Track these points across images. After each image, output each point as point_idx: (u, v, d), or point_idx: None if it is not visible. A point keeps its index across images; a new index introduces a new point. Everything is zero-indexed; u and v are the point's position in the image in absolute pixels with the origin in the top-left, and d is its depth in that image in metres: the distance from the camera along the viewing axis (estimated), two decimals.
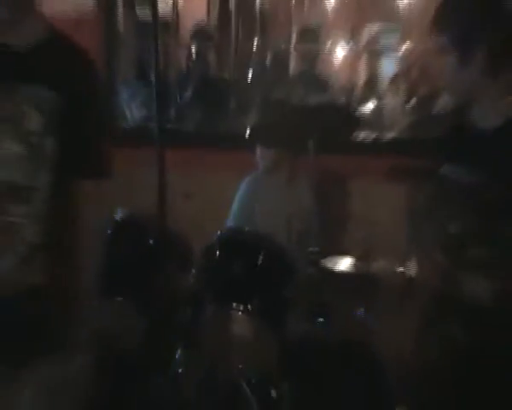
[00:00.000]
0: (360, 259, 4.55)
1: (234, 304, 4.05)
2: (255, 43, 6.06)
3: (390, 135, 5.93)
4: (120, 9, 5.87)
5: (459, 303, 3.15)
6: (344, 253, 4.72)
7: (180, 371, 3.95)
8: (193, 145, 5.29)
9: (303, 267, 4.53)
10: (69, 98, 2.88)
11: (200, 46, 6.28)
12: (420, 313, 3.42)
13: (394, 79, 5.97)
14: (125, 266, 4.32)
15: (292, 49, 5.95)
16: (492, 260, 3.00)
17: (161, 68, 3.50)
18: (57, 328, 2.96)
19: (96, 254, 3.25)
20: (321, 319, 4.51)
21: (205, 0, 6.43)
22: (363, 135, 5.81)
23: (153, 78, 3.47)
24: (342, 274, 4.62)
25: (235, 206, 5.05)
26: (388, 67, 6.07)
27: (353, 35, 6.02)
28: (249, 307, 4.04)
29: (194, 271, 4.25)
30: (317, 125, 4.91)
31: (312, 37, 6.02)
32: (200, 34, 6.33)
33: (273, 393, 3.97)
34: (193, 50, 6.26)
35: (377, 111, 6.01)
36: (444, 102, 4.80)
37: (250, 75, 6.11)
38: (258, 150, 5.02)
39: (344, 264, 4.63)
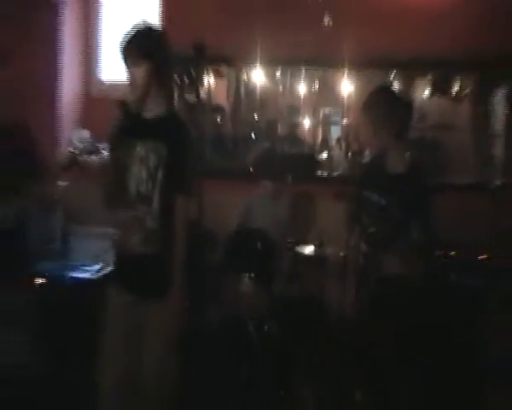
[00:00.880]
0: (318, 247, 4.65)
1: (243, 273, 4.15)
2: (256, 115, 6.11)
3: (336, 173, 5.89)
4: (176, 95, 5.90)
5: (374, 273, 3.28)
6: (308, 243, 4.84)
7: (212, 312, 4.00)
8: (219, 177, 5.24)
9: (284, 251, 4.62)
10: (171, 149, 3.00)
11: (222, 116, 6.23)
12: (352, 279, 3.48)
13: (338, 140, 5.99)
14: None
15: (278, 120, 6.01)
16: (391, 247, 3.11)
17: (201, 129, 3.56)
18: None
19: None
20: (294, 283, 4.59)
21: (225, 88, 6.44)
22: (320, 172, 5.80)
23: (195, 133, 3.49)
24: (307, 256, 4.72)
25: (242, 214, 4.98)
26: (335, 132, 6.09)
27: (314, 113, 6.06)
28: (252, 275, 4.12)
29: (218, 252, 4.34)
30: (293, 165, 5.03)
31: (291, 113, 6.10)
32: (222, 109, 6.39)
33: (265, 327, 4.04)
34: (218, 119, 6.23)
35: (329, 158, 6.02)
36: (368, 155, 4.87)
37: (253, 135, 6.14)
38: (257, 181, 5.02)
39: (308, 250, 4.74)
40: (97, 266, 4.70)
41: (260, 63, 5.63)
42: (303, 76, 5.96)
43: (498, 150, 5.50)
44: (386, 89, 3.55)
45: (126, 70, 3.06)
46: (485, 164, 5.59)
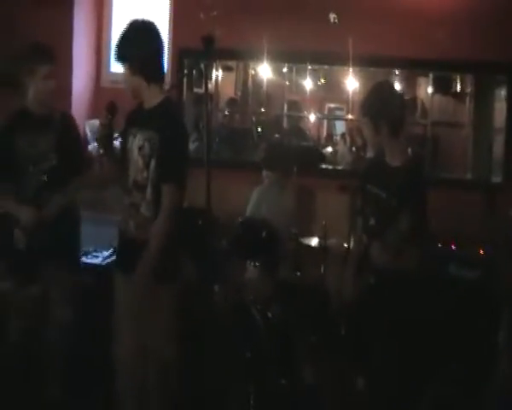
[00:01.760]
0: (321, 238, 4.70)
1: (248, 261, 4.20)
2: (263, 109, 6.15)
3: (340, 167, 5.96)
4: (184, 88, 5.93)
5: (372, 263, 3.34)
6: (312, 234, 4.88)
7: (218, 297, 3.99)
8: (226, 167, 5.26)
9: (288, 242, 4.66)
10: (162, 138, 3.09)
11: (230, 109, 6.29)
12: (353, 269, 3.50)
13: (342, 135, 6.04)
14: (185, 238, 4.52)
15: (284, 114, 6.06)
16: (389, 238, 3.15)
17: (208, 121, 3.58)
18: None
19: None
20: (298, 273, 4.65)
21: (233, 82, 6.48)
22: (325, 166, 5.90)
23: (204, 127, 3.55)
24: (311, 247, 4.74)
25: (250, 204, 5.00)
26: (339, 128, 6.13)
27: (319, 109, 6.10)
28: (257, 263, 4.17)
29: (225, 240, 4.36)
30: (299, 159, 5.08)
31: (296, 108, 6.16)
32: (230, 102, 6.36)
33: (269, 314, 4.06)
34: (226, 112, 6.29)
35: (333, 153, 6.07)
36: (370, 150, 4.87)
37: (260, 128, 6.19)
38: (264, 172, 5.03)
39: (312, 241, 4.76)
40: (107, 252, 4.82)
41: (267, 58, 5.67)
42: (309, 72, 6.03)
43: (498, 147, 5.56)
44: (380, 86, 3.58)
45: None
46: (485, 161, 5.65)
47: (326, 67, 5.99)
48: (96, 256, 4.84)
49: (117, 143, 3.38)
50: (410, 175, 3.24)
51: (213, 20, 5.27)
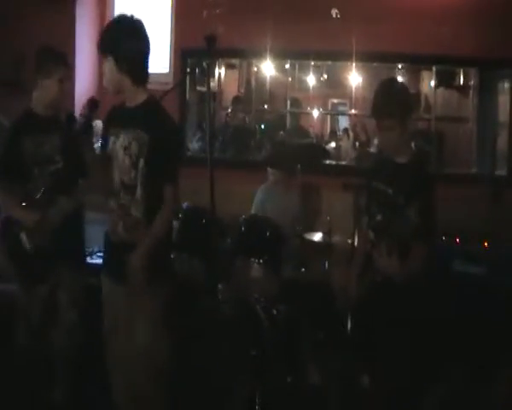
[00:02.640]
0: (326, 234, 4.67)
1: (252, 258, 4.16)
2: (266, 107, 6.15)
3: (344, 163, 5.97)
4: (187, 86, 5.91)
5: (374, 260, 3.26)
6: (317, 230, 4.79)
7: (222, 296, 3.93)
8: (230, 166, 5.28)
9: (292, 239, 4.63)
10: (151, 137, 2.96)
11: (233, 108, 6.29)
12: (359, 265, 3.44)
13: (346, 131, 6.04)
14: (189, 237, 4.37)
15: (287, 111, 6.04)
16: (395, 233, 3.14)
17: (211, 120, 3.55)
18: None
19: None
20: (302, 269, 4.60)
21: (236, 81, 6.48)
22: (328, 162, 5.86)
23: (207, 126, 3.48)
24: (316, 243, 4.67)
25: (254, 202, 5.01)
26: (342, 124, 6.13)
27: (323, 105, 6.09)
28: (261, 260, 4.13)
29: (229, 239, 4.34)
30: (303, 156, 5.07)
31: (299, 105, 6.11)
32: (233, 101, 6.36)
33: (274, 311, 4.02)
34: (229, 110, 6.29)
35: (337, 149, 6.08)
36: (374, 146, 4.88)
37: (263, 126, 6.18)
38: (269, 171, 4.99)
39: (317, 237, 4.69)
40: None
41: (270, 56, 5.67)
42: (311, 68, 6.03)
43: (503, 141, 5.54)
44: (390, 83, 3.53)
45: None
46: (489, 155, 5.63)
47: (329, 63, 5.99)
48: (101, 257, 4.80)
49: (97, 145, 3.29)
50: (416, 171, 3.22)
51: (216, 19, 5.27)
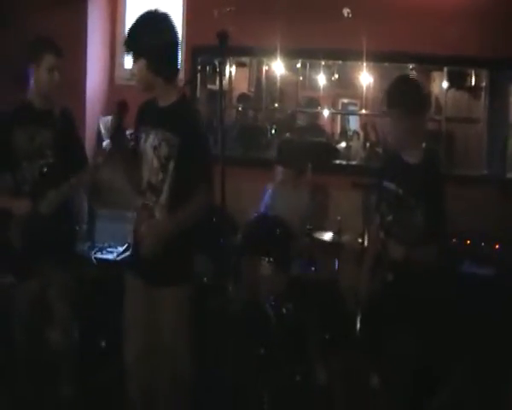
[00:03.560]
0: (336, 233, 4.67)
1: (262, 257, 4.15)
2: (276, 106, 6.14)
3: (354, 162, 5.92)
4: (198, 85, 5.92)
5: (389, 260, 3.28)
6: (327, 229, 4.84)
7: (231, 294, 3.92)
8: (240, 164, 5.17)
9: (303, 238, 4.62)
10: (183, 139, 2.93)
11: (243, 106, 6.30)
12: (369, 265, 3.46)
13: (356, 131, 6.04)
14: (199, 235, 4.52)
15: (298, 110, 6.02)
16: (405, 235, 3.13)
17: (222, 118, 3.53)
18: None
19: None
20: (312, 268, 4.61)
21: (247, 79, 6.47)
22: (339, 162, 5.86)
23: (218, 124, 3.46)
24: (326, 242, 4.72)
25: (264, 201, 4.94)
26: (353, 123, 6.12)
27: (333, 104, 6.08)
28: (271, 259, 4.13)
29: (239, 237, 4.33)
30: (313, 155, 5.04)
31: (310, 104, 6.10)
32: (243, 99, 6.36)
33: (283, 310, 4.06)
34: (239, 108, 6.28)
35: (347, 148, 6.06)
36: (385, 145, 4.86)
37: (274, 124, 6.17)
38: (278, 169, 4.94)
39: (327, 236, 4.74)
40: (122, 248, 4.82)
41: (281, 55, 5.65)
42: (322, 67, 6.01)
43: None
44: (406, 80, 3.53)
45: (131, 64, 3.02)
46: (500, 156, 5.61)
47: (340, 62, 5.97)
48: (111, 252, 4.85)
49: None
50: (427, 172, 3.21)
51: (227, 17, 5.26)
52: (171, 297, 3.05)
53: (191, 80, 5.75)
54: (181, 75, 5.68)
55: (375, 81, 5.65)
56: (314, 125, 6.10)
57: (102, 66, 6.02)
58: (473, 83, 5.86)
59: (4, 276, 3.71)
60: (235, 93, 6.19)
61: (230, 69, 6.05)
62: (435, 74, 5.88)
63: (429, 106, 3.21)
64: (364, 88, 5.67)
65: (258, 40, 5.50)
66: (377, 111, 5.63)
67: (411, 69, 5.69)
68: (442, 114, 5.70)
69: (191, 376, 3.17)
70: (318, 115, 6.08)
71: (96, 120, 5.67)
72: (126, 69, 6.05)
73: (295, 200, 4.86)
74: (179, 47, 3.06)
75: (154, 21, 3.00)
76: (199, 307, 3.80)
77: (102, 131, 5.63)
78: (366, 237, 3.62)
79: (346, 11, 5.38)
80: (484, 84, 5.73)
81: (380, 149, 5.54)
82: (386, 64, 5.66)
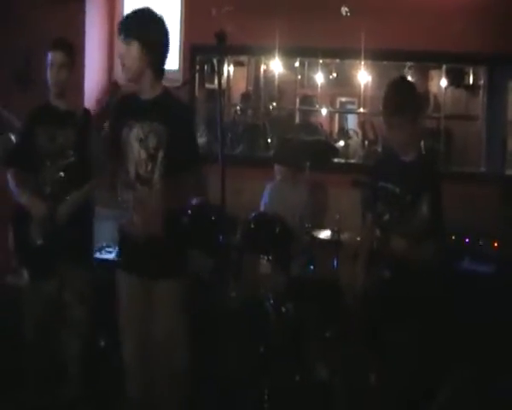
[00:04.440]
0: (335, 232, 4.66)
1: (261, 255, 4.15)
2: (275, 104, 6.14)
3: (353, 161, 5.95)
4: (197, 84, 5.92)
5: (385, 256, 3.25)
6: (325, 228, 4.81)
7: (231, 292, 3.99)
8: (239, 163, 5.23)
9: (301, 236, 4.60)
10: (172, 129, 2.94)
11: (242, 105, 6.32)
12: (366, 263, 3.44)
13: (355, 129, 6.05)
14: (198, 233, 4.38)
15: (297, 109, 6.03)
16: (402, 232, 3.13)
17: (221, 117, 3.51)
18: None
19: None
20: (311, 266, 4.58)
21: (245, 78, 6.47)
22: (337, 160, 5.80)
23: (217, 123, 3.43)
24: (324, 240, 4.68)
25: (263, 199, 5.01)
26: (351, 122, 6.13)
27: (331, 103, 6.08)
28: (270, 257, 4.12)
29: (238, 235, 4.31)
30: (311, 153, 5.04)
31: (308, 102, 6.11)
32: (242, 98, 6.39)
33: (282, 308, 4.04)
34: (238, 107, 6.30)
35: (345, 147, 6.07)
36: (381, 144, 4.86)
37: (272, 123, 6.17)
38: (277, 168, 5.01)
39: (325, 234, 4.70)
40: None
41: (279, 53, 5.65)
42: (320, 66, 6.01)
43: (511, 140, 5.52)
44: (400, 81, 3.53)
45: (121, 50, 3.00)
46: (498, 153, 5.62)
47: (338, 61, 5.98)
48: (110, 252, 4.84)
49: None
50: (424, 170, 3.21)
51: (225, 16, 5.26)
52: (167, 289, 3.05)
53: (190, 80, 5.76)
54: (179, 76, 5.76)
55: (373, 79, 5.66)
56: (312, 124, 6.11)
57: (100, 66, 6.00)
58: (471, 80, 5.87)
59: (20, 275, 3.71)
60: (234, 92, 6.18)
61: (229, 68, 6.05)
62: (433, 72, 5.90)
63: (426, 106, 3.19)
64: (362, 86, 5.68)
65: (256, 39, 5.50)
66: (375, 109, 5.62)
67: (409, 68, 5.69)
68: (441, 112, 5.70)
69: (189, 370, 3.17)
70: (316, 114, 6.09)
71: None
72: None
73: (294, 198, 4.87)
74: (168, 50, 3.06)
75: (152, 14, 3.03)
76: (198, 306, 3.85)
77: None
78: (361, 234, 3.61)
79: (344, 10, 5.38)
80: (482, 81, 5.73)
81: (378, 148, 5.53)
82: (385, 62, 5.66)
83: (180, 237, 3.13)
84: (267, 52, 5.72)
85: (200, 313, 3.87)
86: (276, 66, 5.84)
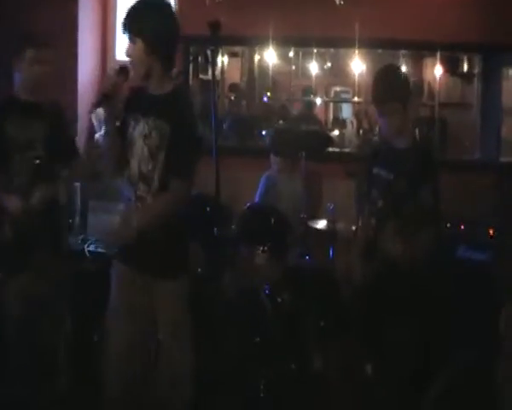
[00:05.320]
0: (330, 221, 4.67)
1: (256, 246, 4.11)
2: (269, 95, 6.13)
3: (347, 150, 5.97)
4: (190, 75, 5.89)
5: (381, 249, 3.26)
6: (320, 218, 4.79)
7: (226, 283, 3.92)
8: (233, 154, 5.21)
9: (297, 226, 4.57)
10: (174, 129, 2.84)
11: (235, 95, 6.29)
12: (362, 252, 3.44)
13: (349, 118, 6.05)
14: (193, 224, 4.52)
15: (291, 99, 6.02)
16: (397, 219, 3.13)
17: (215, 108, 3.48)
18: None
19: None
20: (307, 256, 4.59)
21: (239, 68, 6.46)
22: (332, 149, 5.74)
23: (212, 114, 3.42)
24: (320, 230, 4.66)
25: (258, 190, 5.01)
26: (346, 111, 6.13)
27: (326, 92, 6.08)
28: (265, 248, 4.09)
29: (233, 226, 4.29)
30: (307, 143, 5.03)
31: (303, 93, 6.09)
32: (235, 88, 6.36)
33: (279, 299, 4.04)
34: (232, 98, 6.28)
35: (340, 136, 6.07)
36: (376, 132, 4.86)
37: (266, 113, 6.17)
38: (272, 158, 5.01)
39: (321, 224, 4.68)
40: None
41: (273, 43, 5.63)
42: (315, 56, 6.00)
43: (507, 127, 5.52)
44: (389, 68, 3.54)
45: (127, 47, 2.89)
46: (493, 141, 5.61)
47: (332, 50, 5.96)
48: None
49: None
50: (417, 156, 3.20)
51: (218, 6, 5.24)
52: (168, 292, 2.98)
53: (184, 70, 5.72)
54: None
55: (367, 68, 5.64)
56: (307, 114, 6.11)
57: (94, 58, 5.97)
58: (465, 68, 5.85)
59: None
60: (227, 83, 6.18)
61: (223, 59, 6.02)
62: (428, 60, 5.88)
63: (416, 93, 3.19)
64: (357, 76, 5.66)
65: (250, 29, 5.49)
66: (370, 98, 5.59)
67: (403, 56, 5.68)
68: (435, 100, 5.69)
69: (193, 377, 3.08)
70: (311, 104, 6.08)
71: (88, 113, 5.62)
72: (118, 61, 6.02)
73: (289, 189, 4.89)
74: (178, 38, 2.94)
75: (155, 4, 2.90)
76: (193, 298, 3.84)
77: (95, 123, 5.59)
78: (357, 224, 3.60)
79: None
80: (477, 69, 5.72)
81: (373, 136, 5.53)
82: (379, 51, 5.64)
83: (179, 237, 3.04)
84: (261, 42, 5.69)
85: (195, 304, 3.92)
86: (270, 56, 5.82)
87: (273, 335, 3.89)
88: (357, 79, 5.68)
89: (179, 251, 3.04)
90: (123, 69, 2.92)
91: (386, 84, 3.26)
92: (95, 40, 5.97)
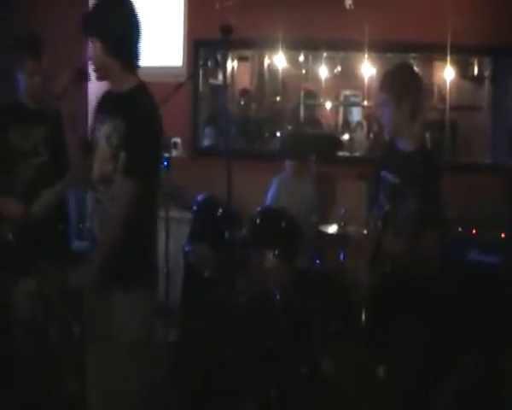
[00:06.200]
0: (341, 225, 4.66)
1: (267, 249, 4.12)
2: (278, 99, 6.13)
3: (357, 154, 5.95)
4: (200, 79, 5.91)
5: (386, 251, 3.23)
6: (331, 222, 4.80)
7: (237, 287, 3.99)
8: (244, 157, 5.21)
9: (307, 230, 4.58)
10: (129, 129, 2.68)
11: (246, 99, 6.27)
12: (369, 254, 3.38)
13: (359, 122, 6.04)
14: (204, 228, 4.51)
15: (301, 103, 6.02)
16: (402, 224, 3.13)
17: (226, 112, 3.47)
18: None
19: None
20: (318, 260, 4.58)
21: (249, 73, 6.46)
22: (342, 153, 5.83)
23: (222, 117, 3.40)
24: (331, 234, 4.67)
25: (269, 193, 5.01)
26: (355, 115, 6.12)
27: (335, 96, 6.07)
28: (276, 251, 4.10)
29: (244, 230, 4.32)
30: (317, 146, 5.03)
31: (312, 96, 6.10)
32: (245, 93, 6.34)
33: (289, 302, 4.00)
34: (242, 102, 6.25)
35: (350, 140, 6.06)
36: (385, 136, 4.82)
37: (277, 117, 6.17)
38: (283, 161, 5.01)
39: (332, 228, 4.69)
40: None
41: (283, 47, 5.63)
42: (324, 59, 6.00)
43: None
44: (402, 66, 3.54)
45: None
46: (504, 144, 5.59)
47: (342, 53, 5.96)
48: None
49: None
50: (422, 160, 3.19)
51: (228, 10, 5.25)
52: (121, 302, 2.75)
53: (194, 75, 5.73)
54: (183, 71, 5.75)
55: (377, 72, 5.62)
56: (317, 118, 6.10)
57: None
58: (476, 71, 5.83)
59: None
60: (237, 87, 6.18)
61: (232, 63, 6.03)
62: (438, 63, 5.85)
63: (428, 95, 3.18)
64: (367, 79, 5.65)
65: (260, 32, 5.49)
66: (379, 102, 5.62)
67: (414, 59, 5.67)
68: (445, 103, 5.68)
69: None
70: (321, 107, 6.08)
71: None
72: None
73: (300, 192, 4.87)
74: (140, 33, 2.81)
75: (112, 3, 2.79)
76: (205, 301, 3.83)
77: None
78: (369, 228, 3.60)
79: (348, 3, 5.36)
80: (487, 72, 5.70)
81: (383, 140, 5.52)
82: (389, 54, 5.62)
83: (141, 244, 2.80)
84: (271, 45, 5.70)
85: (206, 307, 3.92)
86: (280, 60, 5.83)
87: (283, 338, 3.88)
88: (366, 83, 5.66)
89: (139, 260, 2.81)
90: (77, 70, 2.86)
91: (388, 76, 3.31)
92: None
